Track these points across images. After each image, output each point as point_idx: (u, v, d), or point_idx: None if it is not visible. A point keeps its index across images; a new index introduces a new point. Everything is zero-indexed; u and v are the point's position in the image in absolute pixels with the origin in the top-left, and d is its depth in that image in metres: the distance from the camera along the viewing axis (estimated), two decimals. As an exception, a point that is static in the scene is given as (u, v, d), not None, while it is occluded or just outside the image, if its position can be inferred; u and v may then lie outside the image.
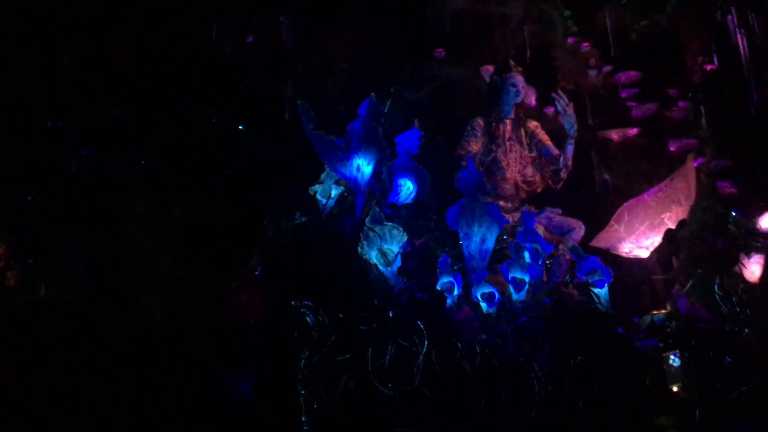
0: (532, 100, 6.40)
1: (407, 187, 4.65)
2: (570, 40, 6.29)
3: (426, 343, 3.96)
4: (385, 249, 4.11)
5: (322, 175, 5.43)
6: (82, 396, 5.05)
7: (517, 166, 5.65)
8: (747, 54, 6.02)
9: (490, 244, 4.36)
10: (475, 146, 5.66)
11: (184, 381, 5.74)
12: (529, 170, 5.67)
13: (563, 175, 5.55)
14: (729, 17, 5.76)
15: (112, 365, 5.28)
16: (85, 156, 6.59)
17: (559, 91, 5.43)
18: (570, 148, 5.44)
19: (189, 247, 6.40)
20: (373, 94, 4.74)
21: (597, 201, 6.32)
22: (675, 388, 4.10)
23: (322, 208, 5.23)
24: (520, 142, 5.74)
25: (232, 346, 6.00)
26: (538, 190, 5.74)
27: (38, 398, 4.91)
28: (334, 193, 5.35)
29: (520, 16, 6.34)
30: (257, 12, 6.05)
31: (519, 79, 5.75)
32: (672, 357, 4.18)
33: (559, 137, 5.67)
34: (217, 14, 5.94)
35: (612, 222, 5.61)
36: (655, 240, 5.49)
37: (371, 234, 4.17)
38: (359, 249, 4.17)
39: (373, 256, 4.11)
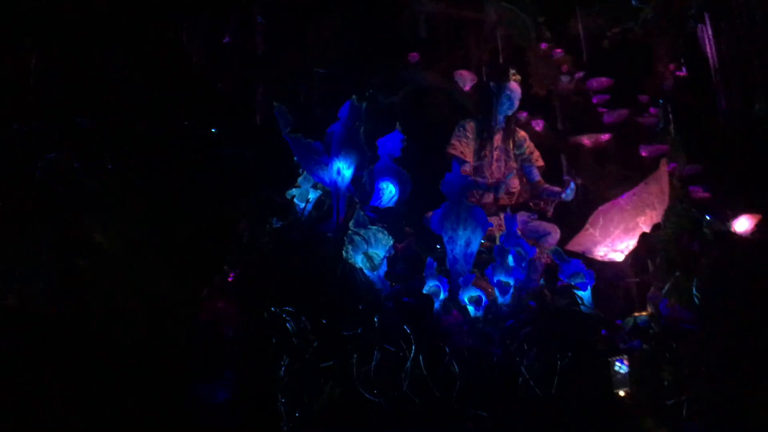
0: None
1: (389, 191, 4.60)
2: (543, 45, 6.34)
3: (414, 348, 3.90)
4: (371, 253, 4.04)
5: (299, 179, 5.33)
6: (48, 407, 4.87)
7: (501, 177, 5.60)
8: (715, 62, 6.18)
9: (475, 247, 4.33)
10: (467, 149, 5.59)
11: (156, 389, 5.58)
12: (514, 182, 5.64)
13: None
14: (699, 26, 5.88)
15: (78, 375, 5.11)
16: (51, 160, 6.37)
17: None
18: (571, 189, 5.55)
19: (157, 253, 6.24)
20: (354, 96, 4.67)
21: (569, 206, 6.37)
22: (621, 393, 4.10)
23: (300, 213, 5.14)
24: (507, 153, 5.69)
25: (207, 354, 5.88)
26: (520, 200, 5.74)
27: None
28: (311, 196, 5.28)
29: (493, 20, 6.36)
30: (232, 13, 5.93)
31: (516, 90, 5.63)
32: (618, 363, 4.17)
33: (544, 148, 5.82)
34: (189, 15, 5.79)
35: (587, 226, 5.63)
36: (630, 243, 5.54)
37: (356, 238, 4.09)
38: (344, 253, 4.08)
39: (359, 260, 4.04)
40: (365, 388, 4.02)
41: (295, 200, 5.09)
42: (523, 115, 6.31)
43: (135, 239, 6.13)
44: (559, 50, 6.30)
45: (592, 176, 6.30)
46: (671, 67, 6.13)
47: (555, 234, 5.67)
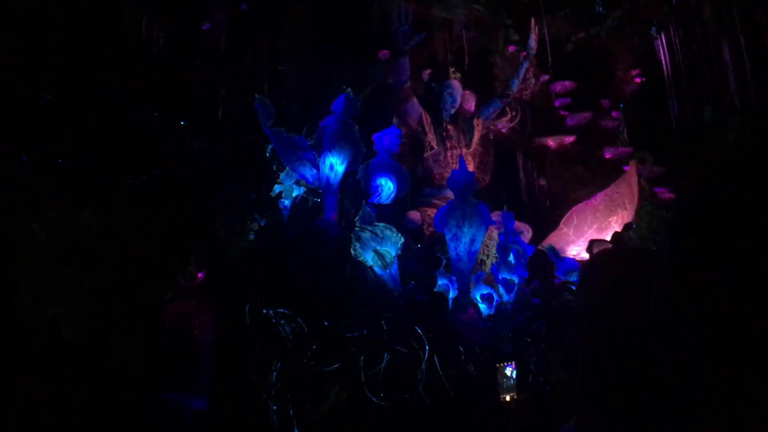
0: (472, 105, 6.46)
1: (388, 187, 4.48)
2: (510, 48, 6.41)
3: (427, 348, 3.80)
4: (382, 250, 3.91)
5: (282, 175, 5.12)
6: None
7: (455, 166, 5.76)
8: (669, 72, 6.48)
9: (478, 245, 4.29)
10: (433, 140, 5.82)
11: (109, 400, 5.21)
12: (470, 168, 5.80)
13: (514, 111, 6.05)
14: (658, 35, 6.13)
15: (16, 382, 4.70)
16: (-3, 152, 5.84)
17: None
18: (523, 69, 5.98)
19: (107, 254, 5.84)
20: (349, 89, 4.53)
21: (535, 205, 6.50)
22: (507, 398, 4.03)
23: (283, 209, 4.93)
24: (459, 142, 5.90)
25: (175, 360, 5.53)
26: (481, 185, 5.90)
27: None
28: (295, 193, 5.08)
29: (462, 21, 6.37)
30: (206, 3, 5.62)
31: (456, 86, 5.93)
32: (507, 368, 4.23)
33: (508, 148, 5.96)
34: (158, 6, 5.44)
35: (561, 225, 5.76)
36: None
37: (364, 235, 3.96)
38: (352, 251, 3.94)
39: (369, 258, 3.90)
40: (373, 391, 3.89)
41: (283, 197, 4.88)
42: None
43: (82, 236, 5.72)
44: (525, 53, 6.38)
45: (557, 177, 6.44)
46: (633, 72, 6.37)
47: (527, 233, 5.79)
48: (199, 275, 5.85)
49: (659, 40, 6.16)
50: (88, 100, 6.02)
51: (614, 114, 6.45)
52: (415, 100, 5.81)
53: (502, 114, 6.14)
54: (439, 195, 5.54)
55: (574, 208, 5.82)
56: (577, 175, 6.33)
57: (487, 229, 4.36)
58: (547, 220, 6.12)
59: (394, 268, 3.91)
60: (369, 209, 4.10)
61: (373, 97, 6.64)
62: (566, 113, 6.60)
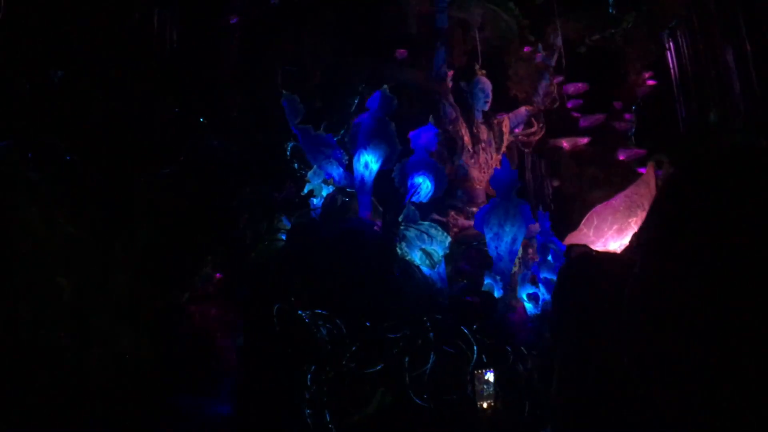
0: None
1: (426, 185, 4.43)
2: (526, 49, 6.41)
3: (476, 348, 3.76)
4: (429, 249, 3.85)
5: (309, 174, 5.04)
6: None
7: (486, 170, 5.75)
8: (677, 73, 6.56)
9: (518, 245, 4.27)
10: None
11: (120, 403, 5.08)
12: None
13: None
14: (668, 41, 6.20)
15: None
16: (1, 149, 5.64)
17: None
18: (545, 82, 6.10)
19: (116, 253, 5.69)
20: (385, 86, 4.47)
21: (546, 205, 6.49)
22: (485, 405, 3.96)
23: (314, 209, 4.84)
24: (490, 145, 5.87)
25: (191, 363, 5.39)
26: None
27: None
28: (324, 192, 5.00)
29: (478, 22, 6.35)
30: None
31: (486, 82, 5.90)
32: (486, 374, 4.20)
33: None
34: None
35: (581, 226, 5.76)
36: (623, 242, 5.72)
37: (410, 234, 3.91)
38: (398, 250, 3.88)
39: (417, 258, 3.85)
40: (417, 393, 3.83)
41: (312, 196, 4.80)
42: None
43: (87, 236, 5.56)
44: (540, 54, 6.39)
45: (571, 178, 6.46)
46: (645, 75, 6.43)
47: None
48: (217, 276, 5.73)
49: (669, 45, 6.22)
50: (97, 96, 5.86)
51: (627, 116, 6.51)
52: (451, 97, 5.77)
53: (528, 125, 6.14)
54: (467, 200, 5.49)
55: (594, 209, 5.83)
56: (592, 177, 6.36)
57: (527, 228, 4.35)
58: (562, 221, 6.12)
59: (442, 268, 3.87)
60: (413, 208, 4.05)
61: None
62: (578, 115, 6.62)
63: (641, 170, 6.23)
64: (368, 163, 4.39)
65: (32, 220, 5.34)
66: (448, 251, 3.89)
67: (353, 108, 5.91)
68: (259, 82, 5.62)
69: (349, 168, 4.94)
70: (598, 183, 6.31)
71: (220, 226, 5.55)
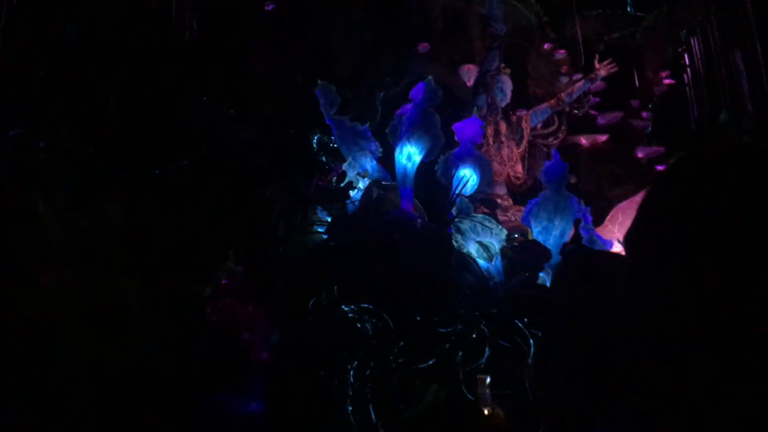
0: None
1: (473, 179, 4.38)
2: (546, 45, 6.43)
3: (532, 343, 3.72)
4: (486, 242, 3.81)
5: (344, 166, 4.95)
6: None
7: (509, 163, 5.78)
8: (689, 73, 6.66)
9: (566, 239, 4.25)
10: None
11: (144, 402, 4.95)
12: (519, 167, 5.85)
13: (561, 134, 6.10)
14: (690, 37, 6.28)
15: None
16: (12, 138, 5.45)
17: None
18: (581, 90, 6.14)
19: (129, 247, 5.54)
20: (430, 77, 4.42)
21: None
22: (486, 411, 3.80)
23: (352, 203, 4.75)
24: (510, 141, 5.89)
25: (217, 360, 5.26)
26: (524, 187, 5.91)
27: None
28: (360, 184, 4.92)
29: (499, 17, 6.33)
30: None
31: (506, 81, 5.92)
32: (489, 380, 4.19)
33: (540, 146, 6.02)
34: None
35: (606, 222, 5.78)
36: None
37: (464, 226, 3.86)
38: (454, 242, 3.83)
39: (474, 250, 3.80)
40: (470, 389, 3.78)
41: (351, 189, 4.71)
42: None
43: (98, 230, 5.40)
44: (562, 51, 6.41)
45: (590, 175, 6.49)
46: (662, 74, 6.49)
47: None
48: (241, 271, 5.61)
49: (692, 43, 6.31)
50: (113, 83, 5.69)
51: (644, 114, 6.57)
52: (492, 94, 5.78)
53: (548, 123, 6.16)
54: (491, 192, 5.48)
55: (618, 206, 5.87)
56: (612, 174, 6.41)
57: (573, 223, 4.34)
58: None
59: (498, 261, 3.82)
60: (466, 200, 4.00)
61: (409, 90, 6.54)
62: (595, 112, 6.66)
63: (660, 168, 6.29)
64: (411, 155, 4.33)
65: (43, 214, 5.18)
66: (504, 244, 3.85)
67: (378, 101, 5.86)
68: (291, 72, 5.52)
69: (381, 161, 4.88)
70: (617, 180, 6.35)
71: (243, 219, 5.45)
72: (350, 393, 4.04)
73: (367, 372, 4.03)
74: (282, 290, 4.69)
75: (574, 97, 6.09)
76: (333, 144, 5.64)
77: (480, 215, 3.88)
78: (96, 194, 5.49)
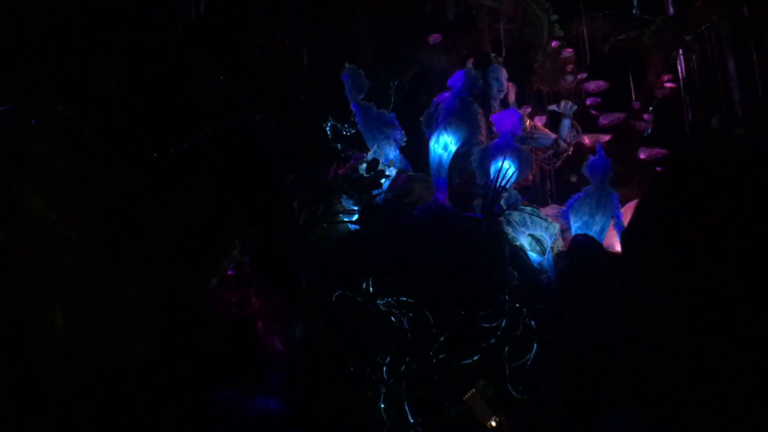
0: (512, 96, 6.35)
1: (511, 171, 4.28)
2: (554, 43, 6.39)
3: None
4: (538, 236, 3.72)
5: (369, 155, 4.77)
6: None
7: None
8: (684, 78, 6.77)
9: (605, 235, 4.20)
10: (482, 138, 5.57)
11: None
12: None
13: (562, 157, 5.92)
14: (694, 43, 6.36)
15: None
16: (0, 115, 5.02)
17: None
18: (566, 125, 5.84)
19: (123, 234, 5.20)
20: (469, 64, 4.30)
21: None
22: (493, 423, 3.73)
23: (381, 192, 4.58)
24: None
25: (227, 355, 4.99)
26: (526, 183, 5.83)
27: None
28: (388, 173, 4.76)
29: (509, 13, 6.28)
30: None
31: (501, 72, 5.71)
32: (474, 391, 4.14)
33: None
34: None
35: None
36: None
37: (514, 218, 3.75)
38: (506, 235, 3.71)
39: (526, 243, 3.70)
40: (514, 385, 3.69)
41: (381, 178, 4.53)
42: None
43: (96, 217, 5.05)
44: (569, 49, 6.39)
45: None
46: (664, 77, 6.56)
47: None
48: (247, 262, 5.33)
49: (694, 49, 6.40)
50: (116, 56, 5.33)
51: (645, 116, 6.62)
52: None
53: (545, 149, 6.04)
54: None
55: (627, 205, 5.87)
56: (616, 174, 6.41)
57: (611, 219, 4.29)
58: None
59: (550, 255, 3.73)
60: (515, 192, 3.89)
61: (415, 80, 6.39)
62: (596, 113, 6.67)
63: (659, 170, 6.35)
64: (447, 144, 4.20)
65: (32, 198, 4.79)
66: (556, 238, 3.76)
67: (393, 89, 5.71)
68: (312, 57, 5.29)
69: (403, 150, 4.74)
70: (619, 180, 6.36)
71: (255, 207, 5.18)
72: (383, 390, 3.89)
73: (403, 368, 3.88)
74: (308, 282, 4.48)
75: (564, 136, 5.99)
76: (346, 132, 5.46)
77: (529, 207, 3.77)
78: (93, 179, 5.12)
